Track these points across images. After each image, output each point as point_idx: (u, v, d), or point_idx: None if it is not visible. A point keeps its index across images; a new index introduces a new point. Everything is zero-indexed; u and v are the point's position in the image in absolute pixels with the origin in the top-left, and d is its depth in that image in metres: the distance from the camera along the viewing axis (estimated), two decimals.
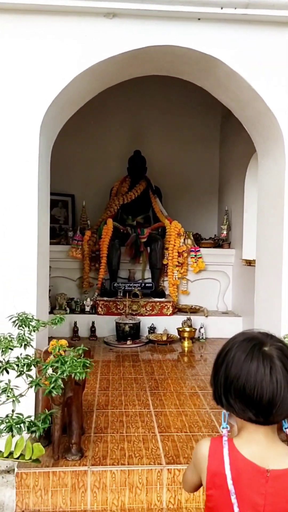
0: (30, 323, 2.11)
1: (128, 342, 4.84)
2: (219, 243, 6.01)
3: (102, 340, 5.05)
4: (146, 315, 5.29)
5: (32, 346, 2.06)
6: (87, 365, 2.06)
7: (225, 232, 5.87)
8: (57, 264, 5.60)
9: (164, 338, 4.94)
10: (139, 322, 5.05)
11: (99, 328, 5.19)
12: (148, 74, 3.50)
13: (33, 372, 1.97)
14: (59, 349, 2.09)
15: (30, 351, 2.06)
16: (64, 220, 6.43)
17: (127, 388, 3.55)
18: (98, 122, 6.53)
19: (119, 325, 4.97)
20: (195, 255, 5.60)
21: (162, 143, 6.60)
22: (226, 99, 3.33)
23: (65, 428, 2.57)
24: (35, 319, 2.17)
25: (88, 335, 5.17)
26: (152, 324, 5.21)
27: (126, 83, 6.64)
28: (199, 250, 5.62)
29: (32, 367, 1.93)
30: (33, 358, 1.96)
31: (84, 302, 5.36)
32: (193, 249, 5.62)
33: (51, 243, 5.75)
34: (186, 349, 4.83)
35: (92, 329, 5.14)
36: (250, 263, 5.00)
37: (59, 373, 1.92)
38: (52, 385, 1.85)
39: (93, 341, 5.06)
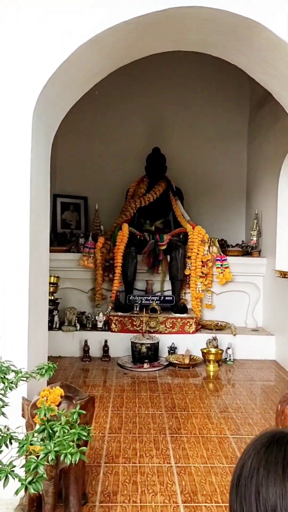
0: (6, 375, 1.52)
1: (145, 366, 4.23)
2: (247, 250, 5.37)
3: (115, 362, 4.46)
4: (165, 333, 4.68)
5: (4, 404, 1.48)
6: (85, 436, 1.45)
7: (254, 239, 5.22)
8: (67, 274, 5.05)
9: (187, 361, 4.32)
10: (158, 342, 4.44)
11: (112, 347, 4.60)
12: (167, 49, 2.89)
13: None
14: (46, 413, 1.49)
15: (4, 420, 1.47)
16: (76, 225, 5.87)
17: (143, 429, 2.95)
18: (112, 118, 5.96)
19: (135, 345, 4.37)
20: (221, 265, 4.97)
21: (184, 140, 5.99)
22: (266, 78, 2.70)
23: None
24: (14, 369, 1.57)
25: (100, 355, 4.59)
26: (173, 343, 4.60)
27: (143, 73, 6.12)
28: (225, 259, 4.99)
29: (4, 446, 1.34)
30: (5, 433, 1.36)
31: (96, 318, 4.77)
32: (219, 258, 4.99)
33: (60, 251, 5.21)
34: (211, 373, 4.21)
35: (105, 349, 4.55)
36: (285, 274, 4.35)
37: (41, 456, 1.32)
38: (29, 478, 1.25)
39: (106, 362, 4.47)
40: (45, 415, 1.48)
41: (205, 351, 4.39)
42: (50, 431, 1.50)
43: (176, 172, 5.74)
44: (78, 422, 1.58)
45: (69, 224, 5.84)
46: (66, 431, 1.50)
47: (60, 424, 1.52)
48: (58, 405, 1.84)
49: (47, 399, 1.82)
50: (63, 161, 5.96)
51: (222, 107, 5.96)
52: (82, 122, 5.94)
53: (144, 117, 5.98)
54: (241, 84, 5.91)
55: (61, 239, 5.50)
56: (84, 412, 1.59)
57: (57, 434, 1.48)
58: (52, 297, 4.92)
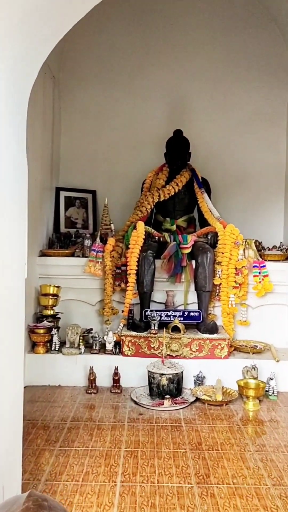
0: None
1: (166, 403, 3.31)
2: None
3: (128, 395, 3.55)
4: (190, 358, 3.75)
5: None
6: None
7: None
8: (70, 282, 4.17)
9: (219, 397, 3.38)
10: (182, 372, 3.51)
11: (125, 375, 3.69)
12: None
13: None
14: None
15: None
16: (82, 224, 4.96)
17: None
18: (125, 98, 5.05)
19: (153, 376, 3.45)
20: (260, 272, 4.02)
21: (210, 122, 5.04)
22: None
23: None
24: None
25: (110, 384, 3.68)
26: (200, 372, 3.66)
27: (161, 42, 5.12)
28: (264, 265, 4.04)
29: None
30: None
31: (105, 338, 3.86)
32: (257, 264, 4.04)
33: (61, 255, 4.32)
34: (251, 414, 3.28)
35: (115, 377, 3.64)
36: None
37: None
38: None
39: (116, 396, 3.56)
40: None
41: (242, 384, 3.45)
42: None
43: (201, 160, 4.80)
44: None
45: (74, 223, 4.94)
46: None
47: None
48: None
49: None
50: (67, 149, 5.07)
51: (255, 82, 4.99)
52: (90, 103, 5.05)
53: (163, 95, 5.04)
54: (278, 51, 4.95)
55: (64, 240, 4.60)
56: None
57: None
58: (52, 311, 4.04)
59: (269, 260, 4.19)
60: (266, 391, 3.55)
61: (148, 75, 5.02)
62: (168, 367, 3.46)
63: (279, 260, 4.26)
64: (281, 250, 4.47)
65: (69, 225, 4.90)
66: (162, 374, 3.41)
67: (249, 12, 4.95)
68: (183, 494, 2.22)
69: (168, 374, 3.41)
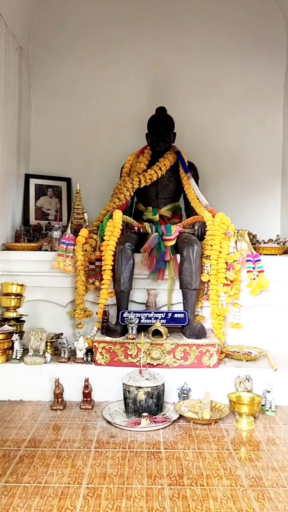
0: None
1: (144, 422, 2.76)
2: (287, 248, 3.88)
3: (101, 411, 3.01)
4: (174, 367, 3.21)
5: None
6: None
7: None
8: (37, 280, 3.64)
9: (207, 415, 2.84)
10: (163, 385, 2.96)
11: (97, 387, 3.16)
12: None
13: None
14: None
15: None
16: (55, 215, 4.42)
17: None
18: (103, 74, 4.53)
19: (129, 389, 2.90)
20: (254, 267, 3.49)
21: (198, 101, 4.54)
22: None
23: None
24: None
25: (80, 399, 3.13)
26: (185, 383, 3.12)
27: (144, 10, 4.49)
28: (259, 260, 3.51)
29: None
30: None
31: (75, 344, 3.32)
32: (250, 258, 3.51)
33: (27, 248, 3.76)
34: (244, 434, 2.74)
35: (86, 391, 3.09)
36: None
37: None
38: None
39: (86, 413, 3.02)
40: None
41: (234, 398, 2.91)
42: None
43: (188, 143, 4.30)
44: None
45: (46, 214, 4.41)
46: None
47: None
48: None
49: None
50: (39, 131, 4.54)
51: (248, 56, 4.50)
52: (64, 79, 4.53)
53: (145, 71, 4.53)
54: (274, 23, 4.46)
55: (34, 233, 4.06)
56: None
57: None
58: (15, 314, 3.50)
59: (264, 254, 3.67)
60: (263, 405, 3.02)
61: (129, 49, 4.50)
62: (147, 379, 2.92)
63: (276, 254, 3.74)
64: (278, 243, 3.96)
65: (40, 217, 4.37)
66: (139, 388, 2.86)
67: None
68: None
69: (146, 387, 2.86)
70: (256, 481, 2.21)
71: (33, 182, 4.38)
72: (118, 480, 2.19)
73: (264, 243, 3.95)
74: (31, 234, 4.05)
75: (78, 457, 2.41)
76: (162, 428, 2.79)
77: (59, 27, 4.48)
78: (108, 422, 2.85)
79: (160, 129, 3.88)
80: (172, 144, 4.03)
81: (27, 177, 4.37)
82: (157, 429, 2.77)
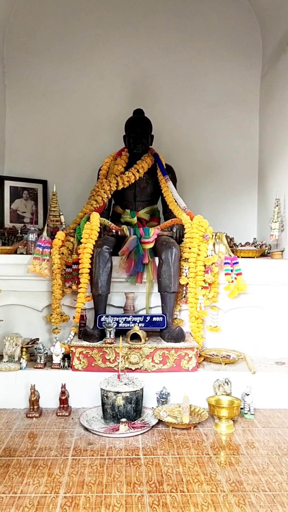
0: None
1: (122, 428, 2.71)
2: (264, 251, 3.90)
3: (77, 418, 2.94)
4: (153, 371, 3.17)
5: None
6: None
7: (276, 234, 3.77)
8: (12, 284, 3.55)
9: (186, 419, 2.81)
10: (142, 389, 2.92)
11: (74, 393, 3.09)
12: None
13: None
14: None
15: None
16: (31, 218, 4.34)
17: None
18: (80, 76, 4.50)
19: (107, 395, 2.85)
20: (232, 270, 3.48)
21: (175, 104, 4.56)
22: None
23: None
24: None
25: (56, 406, 3.06)
26: (164, 388, 3.08)
27: (122, 13, 4.47)
28: (237, 262, 3.51)
29: None
30: None
31: (52, 349, 3.25)
32: (229, 260, 3.51)
33: (2, 252, 3.64)
34: (223, 438, 2.72)
35: (63, 397, 3.02)
36: None
37: None
38: None
39: (63, 420, 2.95)
40: None
41: (213, 402, 2.89)
42: None
43: (166, 146, 4.30)
44: None
45: (21, 217, 4.33)
46: None
47: None
48: None
49: None
50: (14, 134, 4.47)
51: (224, 61, 4.53)
52: (40, 81, 4.47)
53: (122, 74, 4.52)
54: (250, 29, 4.50)
55: (9, 236, 3.98)
56: None
57: None
58: None
59: (242, 257, 3.67)
60: (242, 408, 3.01)
61: (105, 51, 4.48)
62: (125, 384, 2.87)
63: (254, 257, 3.75)
64: (255, 246, 3.97)
65: (15, 220, 4.29)
66: (118, 393, 2.81)
67: None
68: None
69: (125, 392, 2.81)
70: (236, 485, 2.19)
71: (8, 184, 4.29)
72: (97, 489, 2.13)
73: (242, 246, 3.95)
74: (5, 237, 3.96)
75: (55, 466, 2.35)
76: (141, 433, 2.75)
77: (35, 28, 4.42)
78: (86, 429, 2.79)
79: (138, 131, 3.86)
80: (150, 146, 4.01)
81: (2, 179, 4.28)
82: (136, 435, 2.72)
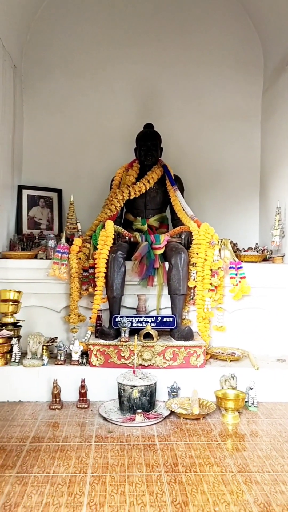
0: None
1: (138, 418, 3.00)
2: (267, 255, 4.18)
3: (96, 410, 3.22)
4: (164, 367, 3.45)
5: None
6: None
7: (277, 240, 4.05)
8: (32, 287, 3.83)
9: (196, 411, 3.09)
10: (155, 383, 3.20)
11: (92, 387, 3.37)
12: None
13: None
14: None
15: None
16: (47, 224, 4.62)
17: None
18: (93, 90, 4.78)
19: (124, 388, 3.13)
20: (236, 274, 3.77)
21: (182, 118, 4.83)
22: None
23: None
24: None
25: (76, 399, 3.34)
26: (175, 382, 3.37)
27: (133, 32, 4.79)
28: (241, 267, 3.79)
29: None
30: None
31: (71, 347, 3.53)
32: (233, 265, 3.79)
33: (23, 257, 3.95)
34: (230, 427, 3.00)
35: (82, 391, 3.30)
36: None
37: None
38: None
39: (83, 411, 3.22)
40: None
41: (220, 395, 3.17)
42: None
43: (173, 157, 4.58)
44: None
45: (38, 223, 4.60)
46: None
47: None
48: None
49: None
50: (31, 145, 4.74)
51: (228, 77, 4.81)
52: (55, 95, 4.75)
53: (133, 88, 4.80)
54: (253, 47, 4.78)
55: (27, 242, 4.26)
56: None
57: None
58: (12, 319, 3.68)
59: (245, 262, 3.95)
60: (246, 401, 3.29)
61: (116, 67, 4.76)
62: (140, 378, 3.16)
63: (256, 261, 4.03)
64: (257, 251, 4.25)
65: (33, 226, 4.56)
66: (134, 386, 3.09)
67: (222, 6, 4.76)
68: None
69: (140, 386, 3.10)
70: (243, 467, 2.46)
71: (25, 193, 4.57)
72: (120, 469, 2.41)
73: (245, 251, 4.23)
74: (24, 243, 4.24)
75: (80, 450, 2.63)
76: (155, 423, 3.02)
77: (50, 46, 4.70)
78: (105, 419, 3.07)
79: (148, 144, 4.14)
80: (159, 158, 4.29)
81: (20, 188, 4.56)
82: (150, 424, 3.00)
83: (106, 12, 4.71)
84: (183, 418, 3.10)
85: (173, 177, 4.23)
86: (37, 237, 4.35)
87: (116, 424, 3.00)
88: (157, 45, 4.75)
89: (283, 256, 4.07)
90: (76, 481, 2.28)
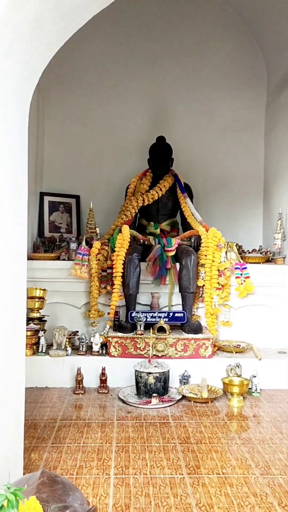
0: None
1: (154, 401, 3.38)
2: (269, 257, 4.55)
3: (115, 394, 3.61)
4: (176, 358, 3.84)
5: None
6: None
7: (278, 243, 4.41)
8: (55, 286, 4.22)
9: (205, 395, 3.47)
10: (168, 371, 3.59)
11: (111, 375, 3.75)
12: None
13: None
14: None
15: None
16: (66, 228, 5.02)
17: (161, 507, 2.09)
18: (109, 104, 5.16)
19: (140, 375, 3.52)
20: (241, 274, 4.14)
21: (191, 129, 5.20)
22: None
23: None
24: None
25: (97, 385, 3.73)
26: (185, 371, 3.75)
27: (145, 51, 5.25)
28: (246, 267, 4.17)
29: None
30: None
31: (92, 339, 3.92)
32: (238, 266, 4.17)
33: (47, 259, 4.35)
34: (235, 410, 3.38)
35: (103, 378, 3.69)
36: None
37: None
38: None
39: (104, 396, 3.61)
40: None
41: (226, 381, 3.55)
42: None
43: (182, 166, 4.94)
44: None
45: (58, 227, 5.00)
46: None
47: None
48: None
49: None
50: (51, 154, 5.14)
51: (234, 91, 5.18)
52: (74, 109, 5.14)
53: (146, 102, 5.18)
54: (257, 64, 5.15)
55: (49, 244, 4.65)
56: None
57: None
58: (38, 314, 4.08)
59: (250, 263, 4.32)
60: (249, 388, 3.66)
61: (131, 84, 5.14)
62: (155, 366, 3.54)
63: (260, 263, 4.40)
64: (261, 253, 4.62)
65: (53, 230, 4.95)
66: (149, 373, 3.48)
67: (230, 28, 5.13)
68: (175, 484, 2.30)
69: (155, 373, 3.49)
70: (246, 440, 2.85)
71: (47, 199, 4.97)
72: (140, 441, 2.80)
73: (249, 253, 4.61)
74: (46, 245, 4.64)
75: (104, 426, 3.01)
76: (169, 406, 3.41)
77: (69, 65, 5.09)
78: (124, 402, 3.45)
79: (160, 156, 4.52)
80: (170, 168, 4.67)
81: (42, 195, 4.96)
82: (165, 407, 3.38)
83: (122, 33, 5.09)
84: (194, 401, 3.48)
85: (183, 185, 4.61)
86: (57, 240, 4.74)
87: (134, 406, 3.38)
88: (169, 63, 5.13)
89: (284, 258, 4.44)
90: (103, 450, 2.67)
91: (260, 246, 4.95)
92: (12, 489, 0.98)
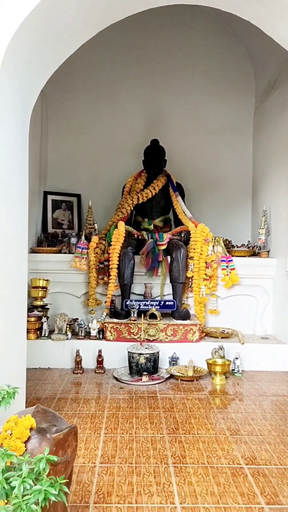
0: None
1: (144, 379, 3.77)
2: (255, 251, 4.92)
3: (111, 374, 4.00)
4: (166, 342, 4.22)
5: None
6: (55, 495, 1.00)
7: (263, 238, 4.78)
8: (57, 277, 4.61)
9: (190, 373, 3.85)
10: (158, 352, 3.98)
11: (107, 357, 4.14)
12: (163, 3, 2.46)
13: None
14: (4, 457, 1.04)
15: None
16: (68, 224, 5.42)
17: (141, 458, 2.48)
18: (107, 109, 5.55)
19: (133, 356, 3.91)
20: (227, 266, 4.52)
21: (184, 132, 5.57)
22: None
23: None
24: None
25: (94, 366, 4.13)
26: (174, 353, 4.13)
27: (140, 59, 5.67)
28: (231, 260, 4.54)
29: None
30: None
31: (90, 325, 4.31)
32: (224, 258, 4.54)
33: (50, 252, 4.77)
34: (218, 387, 3.75)
35: (99, 359, 4.08)
36: None
37: None
38: None
39: (100, 375, 4.00)
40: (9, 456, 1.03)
41: (210, 362, 3.93)
42: (6, 487, 1.04)
43: (176, 166, 5.32)
44: (48, 471, 1.13)
45: (60, 224, 5.40)
46: (28, 486, 1.04)
47: (21, 476, 1.06)
48: (26, 442, 1.38)
49: (11, 434, 1.36)
50: (54, 156, 5.54)
51: (224, 96, 5.55)
52: (75, 114, 5.54)
53: (141, 107, 5.56)
54: (245, 70, 5.51)
55: (52, 239, 5.05)
56: (55, 459, 1.13)
57: (15, 491, 1.03)
58: (41, 302, 4.48)
59: (236, 256, 4.69)
60: (232, 369, 4.04)
61: (128, 90, 5.52)
62: (146, 348, 3.93)
63: (245, 256, 4.77)
64: (248, 247, 4.99)
65: (56, 226, 5.35)
66: (140, 354, 3.87)
67: (218, 36, 5.50)
68: (155, 441, 2.68)
69: (146, 353, 3.87)
70: (224, 410, 3.22)
71: (50, 197, 5.37)
72: (129, 410, 3.18)
73: (238, 247, 4.97)
74: (49, 240, 5.03)
75: (99, 399, 3.40)
76: (158, 383, 3.79)
77: (71, 71, 5.47)
78: (117, 380, 3.84)
79: (154, 158, 4.91)
80: (163, 168, 5.05)
81: (45, 193, 5.35)
82: (154, 384, 3.77)
83: (120, 44, 5.47)
84: (180, 380, 3.86)
85: (175, 185, 4.99)
86: (60, 235, 5.14)
87: (126, 383, 3.77)
88: (163, 71, 5.50)
89: (268, 251, 4.80)
90: (96, 416, 3.06)
91: (249, 241, 5.31)
92: (11, 387, 1.36)
